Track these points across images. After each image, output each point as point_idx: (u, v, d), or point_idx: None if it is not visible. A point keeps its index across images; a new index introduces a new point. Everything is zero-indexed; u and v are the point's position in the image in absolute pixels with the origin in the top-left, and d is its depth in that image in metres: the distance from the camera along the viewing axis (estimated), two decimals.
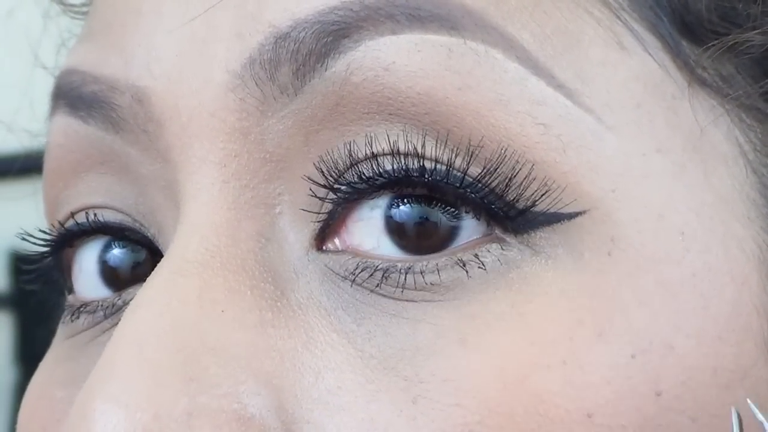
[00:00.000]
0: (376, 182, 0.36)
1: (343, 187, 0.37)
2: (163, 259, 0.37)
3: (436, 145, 0.36)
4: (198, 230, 0.37)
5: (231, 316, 0.36)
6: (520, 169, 0.36)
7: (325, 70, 0.36)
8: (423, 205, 0.36)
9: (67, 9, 0.52)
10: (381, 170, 0.36)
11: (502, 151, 0.36)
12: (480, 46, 0.36)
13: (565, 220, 0.36)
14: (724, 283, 0.36)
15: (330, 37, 0.36)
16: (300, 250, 0.37)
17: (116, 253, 0.42)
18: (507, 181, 0.36)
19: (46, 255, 0.43)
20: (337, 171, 0.37)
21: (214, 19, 0.38)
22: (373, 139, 0.36)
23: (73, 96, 0.40)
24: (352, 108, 0.36)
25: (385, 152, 0.36)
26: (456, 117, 0.36)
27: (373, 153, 0.36)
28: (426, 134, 0.36)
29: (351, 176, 0.37)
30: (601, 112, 0.37)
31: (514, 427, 0.34)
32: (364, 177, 0.36)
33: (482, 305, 0.35)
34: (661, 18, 0.38)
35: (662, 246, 0.36)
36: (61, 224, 0.42)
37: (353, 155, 0.36)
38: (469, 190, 0.36)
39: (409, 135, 0.36)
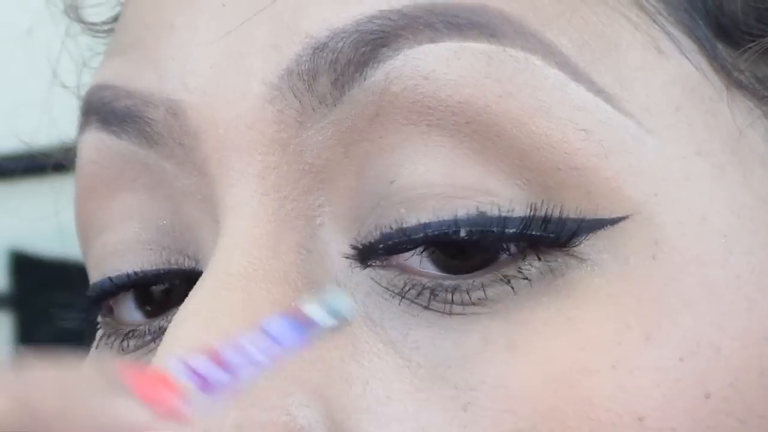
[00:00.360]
0: (408, 247, 0.36)
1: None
2: (204, 273, 0.37)
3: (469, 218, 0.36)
4: (239, 243, 0.37)
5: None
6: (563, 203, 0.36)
7: (364, 79, 0.36)
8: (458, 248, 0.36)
9: (88, 27, 0.52)
10: (412, 239, 0.36)
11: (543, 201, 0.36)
12: (519, 53, 0.36)
13: (609, 226, 0.36)
14: (767, 285, 0.37)
15: (368, 46, 0.36)
16: (343, 262, 0.37)
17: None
18: (550, 216, 0.36)
19: (89, 310, 0.43)
20: (369, 245, 0.36)
21: (249, 31, 0.37)
22: (403, 220, 0.36)
23: (106, 111, 0.40)
24: (392, 118, 0.36)
25: (416, 228, 0.36)
26: (497, 125, 0.36)
27: (403, 230, 0.36)
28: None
29: (386, 246, 0.36)
30: (641, 116, 0.37)
31: None
32: (397, 245, 0.36)
33: (530, 312, 0.36)
34: (697, 21, 0.38)
35: (705, 248, 0.36)
36: (101, 289, 0.41)
37: (384, 234, 0.36)
38: (508, 236, 0.36)
39: (440, 211, 0.36)
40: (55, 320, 0.44)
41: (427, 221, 0.36)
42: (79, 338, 0.44)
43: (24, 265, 1.67)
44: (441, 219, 0.36)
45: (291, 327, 0.32)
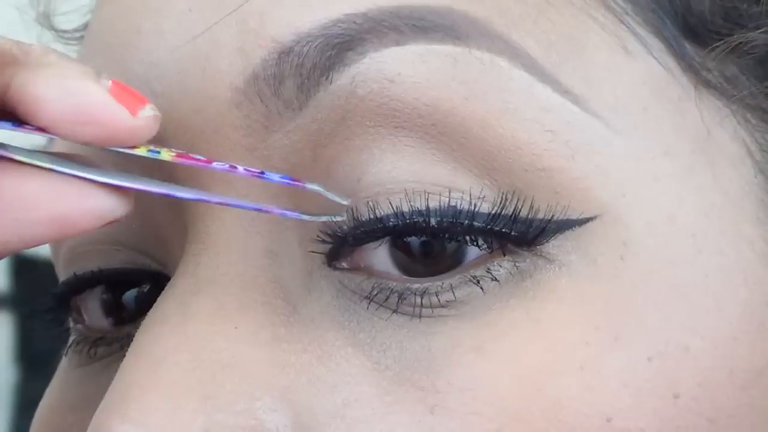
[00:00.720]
0: (378, 235, 0.36)
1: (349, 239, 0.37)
2: (173, 278, 0.37)
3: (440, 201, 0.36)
4: (207, 248, 0.37)
5: (244, 333, 0.36)
6: (529, 198, 0.36)
7: (330, 83, 0.36)
8: (428, 237, 0.36)
9: (60, 35, 0.52)
10: (384, 227, 0.36)
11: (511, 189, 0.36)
12: (485, 55, 0.36)
13: (577, 227, 0.36)
14: (736, 284, 0.37)
15: (334, 50, 0.36)
16: (311, 265, 0.37)
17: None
18: (517, 214, 0.36)
19: (53, 308, 0.43)
20: (341, 230, 0.36)
21: (216, 36, 0.37)
22: (377, 204, 0.36)
23: None
24: (359, 121, 0.36)
25: (389, 215, 0.36)
26: (463, 127, 0.36)
27: (377, 217, 0.36)
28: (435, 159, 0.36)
29: (355, 234, 0.36)
30: (608, 116, 0.37)
31: None
32: (367, 234, 0.36)
33: (497, 314, 0.35)
34: (665, 21, 0.38)
35: (674, 248, 0.36)
36: (65, 284, 0.42)
37: (357, 219, 0.36)
38: (477, 229, 0.36)
39: (412, 198, 0.36)
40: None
41: (398, 208, 0.36)
42: None
43: (24, 265, 1.67)
44: (412, 207, 0.36)
45: None
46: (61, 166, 0.34)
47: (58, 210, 0.33)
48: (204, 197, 0.36)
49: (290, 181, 0.36)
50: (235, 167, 0.36)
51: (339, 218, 0.36)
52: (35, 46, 0.35)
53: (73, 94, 0.33)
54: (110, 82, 0.34)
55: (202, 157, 0.36)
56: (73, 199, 0.33)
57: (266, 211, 0.36)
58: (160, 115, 0.35)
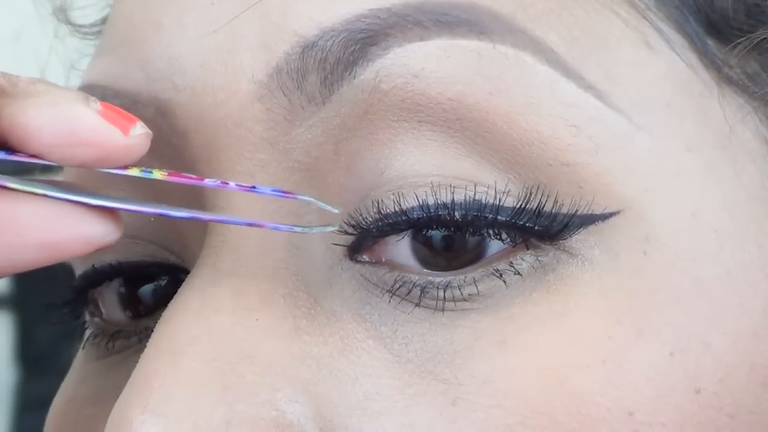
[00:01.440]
0: (401, 227, 0.36)
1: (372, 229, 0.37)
2: (193, 270, 0.37)
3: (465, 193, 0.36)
4: (228, 240, 0.37)
5: (265, 324, 0.36)
6: (554, 192, 0.36)
7: (354, 78, 0.36)
8: (451, 230, 0.36)
9: (76, 29, 0.52)
10: (408, 219, 0.36)
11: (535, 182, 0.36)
12: (509, 50, 0.36)
13: (600, 222, 0.36)
14: (758, 280, 0.37)
15: (357, 45, 0.36)
16: (332, 258, 0.37)
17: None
18: (541, 208, 0.36)
19: (71, 301, 0.43)
20: (365, 222, 0.36)
21: (238, 30, 0.37)
22: (402, 196, 0.36)
23: None
24: (382, 116, 0.36)
25: (414, 208, 0.36)
26: (487, 122, 0.36)
27: (402, 209, 0.36)
28: (459, 151, 0.36)
29: (378, 227, 0.36)
30: (631, 112, 0.37)
31: (556, 427, 0.34)
32: (391, 226, 0.36)
33: (520, 307, 0.36)
34: (687, 17, 0.38)
35: (696, 244, 0.36)
36: (83, 278, 0.42)
37: (381, 211, 0.36)
38: (501, 222, 0.36)
39: (437, 191, 0.36)
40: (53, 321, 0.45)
41: (423, 201, 0.36)
42: (78, 338, 0.44)
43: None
44: (437, 200, 0.36)
45: None
46: (54, 191, 0.34)
47: (49, 236, 0.34)
48: (196, 216, 0.36)
49: (282, 194, 0.36)
50: (227, 183, 0.36)
51: (331, 228, 0.36)
52: (22, 77, 0.35)
53: (64, 119, 0.33)
54: (99, 104, 0.34)
55: (193, 175, 0.36)
56: (63, 225, 0.34)
57: (259, 226, 0.36)
58: (151, 133, 0.35)
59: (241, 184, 0.36)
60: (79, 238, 0.34)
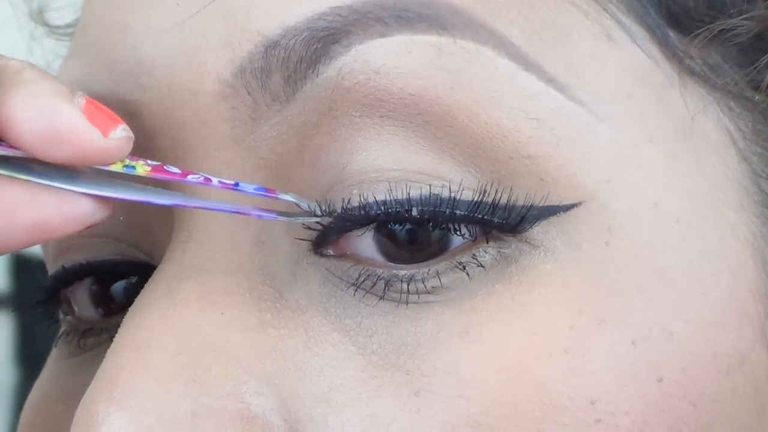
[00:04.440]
0: (362, 223, 0.37)
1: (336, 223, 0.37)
2: (160, 265, 0.37)
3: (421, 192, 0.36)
4: (194, 236, 0.37)
5: (231, 318, 0.36)
6: (512, 187, 0.36)
7: (317, 76, 0.37)
8: (411, 225, 0.36)
9: (52, 30, 0.52)
10: (368, 215, 0.36)
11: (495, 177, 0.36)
12: (470, 44, 0.36)
13: (561, 213, 0.36)
14: (720, 270, 0.37)
15: (320, 43, 0.36)
16: (297, 253, 0.37)
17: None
18: (498, 201, 0.36)
19: (43, 301, 0.44)
20: (328, 213, 0.37)
21: (203, 29, 0.38)
22: (362, 192, 0.36)
23: None
24: (345, 112, 0.37)
25: (372, 204, 0.36)
26: (448, 116, 0.36)
27: (361, 205, 0.36)
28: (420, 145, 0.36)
29: (342, 221, 0.37)
30: (592, 104, 0.37)
31: (519, 416, 0.34)
32: (352, 221, 0.37)
33: (483, 299, 0.36)
34: (648, 9, 0.38)
35: (658, 234, 0.36)
36: (54, 278, 0.43)
37: (344, 206, 0.36)
38: (459, 217, 0.36)
39: (395, 187, 0.36)
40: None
41: (381, 199, 0.36)
42: None
43: (24, 265, 1.68)
44: (394, 197, 0.36)
45: None
46: (40, 177, 0.34)
47: (38, 215, 0.34)
48: (181, 202, 0.37)
49: (264, 193, 0.36)
50: (210, 180, 0.36)
51: (316, 219, 0.37)
52: (12, 62, 0.35)
53: (46, 115, 0.34)
54: (84, 100, 0.34)
55: (177, 170, 0.36)
56: (52, 204, 0.34)
57: (245, 214, 0.36)
58: (132, 136, 0.35)
59: (224, 181, 0.36)
60: (69, 217, 0.34)
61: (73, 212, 0.34)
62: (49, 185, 0.34)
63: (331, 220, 0.37)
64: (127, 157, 0.35)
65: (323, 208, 0.37)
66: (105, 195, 0.35)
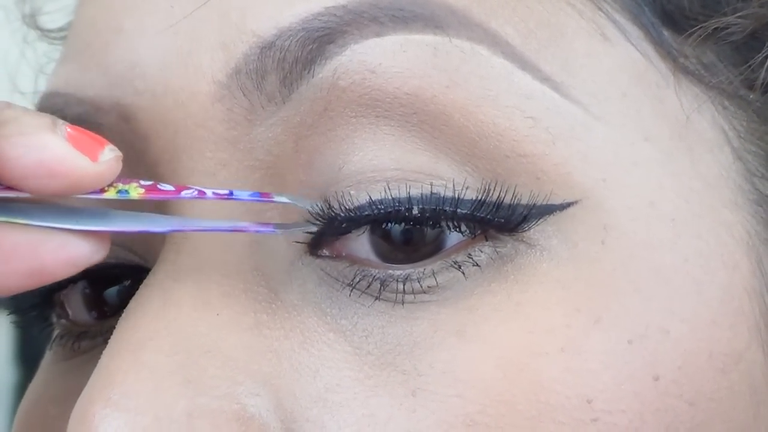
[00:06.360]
0: (360, 223, 0.36)
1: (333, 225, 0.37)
2: (155, 266, 0.37)
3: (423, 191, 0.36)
4: (188, 237, 0.37)
5: (226, 319, 0.36)
6: (512, 187, 0.36)
7: (312, 76, 0.37)
8: (410, 224, 0.36)
9: (45, 34, 0.52)
10: (365, 215, 0.36)
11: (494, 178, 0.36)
12: (465, 44, 0.36)
13: (558, 212, 0.36)
14: (716, 268, 0.37)
15: (315, 43, 0.36)
16: (293, 254, 0.37)
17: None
18: (501, 200, 0.36)
19: (36, 305, 0.44)
20: (322, 217, 0.37)
21: (198, 31, 0.38)
22: (359, 192, 0.36)
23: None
24: (340, 112, 0.37)
25: (370, 204, 0.36)
26: (444, 115, 0.36)
27: (359, 205, 0.36)
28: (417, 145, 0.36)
29: (338, 222, 0.36)
30: (588, 102, 0.37)
31: (516, 415, 0.34)
32: (349, 222, 0.36)
33: (479, 298, 0.36)
34: (643, 8, 0.38)
35: (654, 233, 0.36)
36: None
37: (341, 207, 0.36)
38: (460, 216, 0.36)
39: (394, 186, 0.36)
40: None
41: (380, 198, 0.36)
42: None
43: None
44: (394, 196, 0.36)
45: None
46: (37, 218, 0.34)
47: (36, 263, 0.34)
48: (180, 227, 0.37)
49: (259, 198, 0.36)
50: (204, 192, 0.36)
51: (313, 228, 0.37)
52: None
53: (33, 150, 0.34)
54: (67, 127, 0.34)
55: (170, 188, 0.36)
56: (49, 250, 0.34)
57: (243, 231, 0.36)
58: (120, 155, 0.35)
59: (218, 192, 0.36)
60: (66, 261, 0.34)
61: (71, 257, 0.34)
62: (47, 227, 0.34)
63: (326, 224, 0.36)
64: (120, 182, 0.35)
65: (320, 207, 0.37)
66: (104, 230, 0.35)
